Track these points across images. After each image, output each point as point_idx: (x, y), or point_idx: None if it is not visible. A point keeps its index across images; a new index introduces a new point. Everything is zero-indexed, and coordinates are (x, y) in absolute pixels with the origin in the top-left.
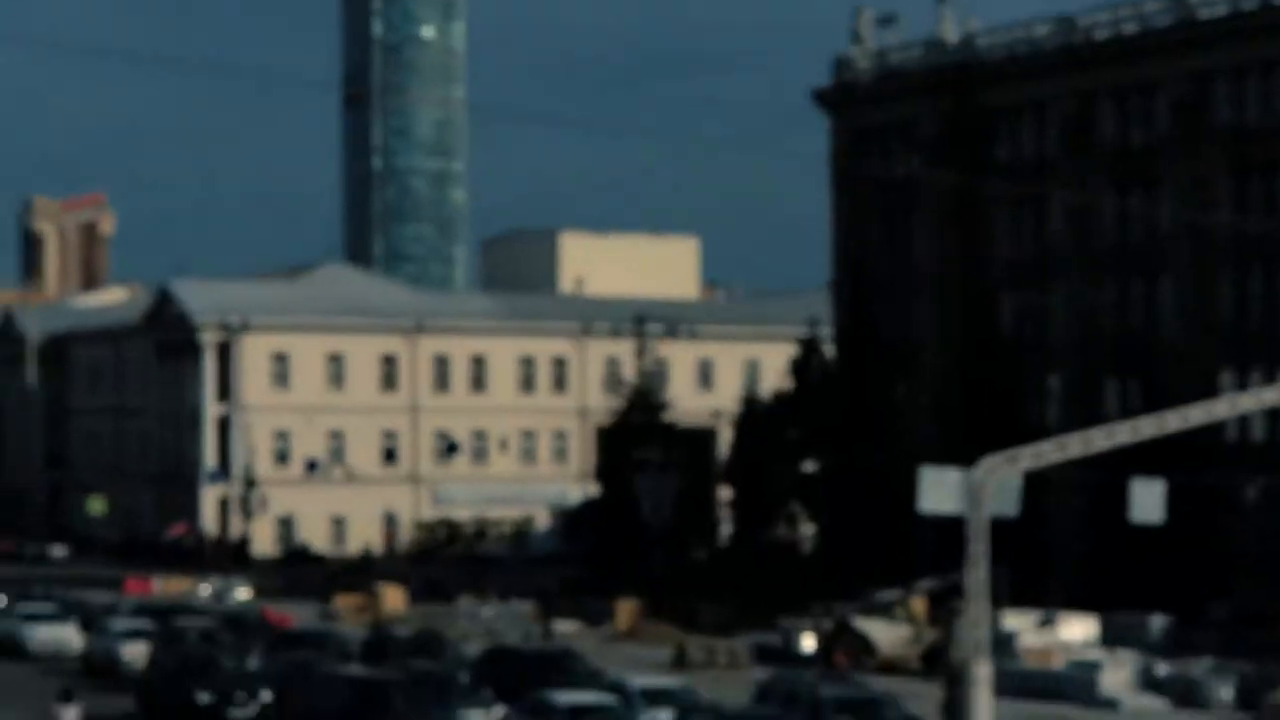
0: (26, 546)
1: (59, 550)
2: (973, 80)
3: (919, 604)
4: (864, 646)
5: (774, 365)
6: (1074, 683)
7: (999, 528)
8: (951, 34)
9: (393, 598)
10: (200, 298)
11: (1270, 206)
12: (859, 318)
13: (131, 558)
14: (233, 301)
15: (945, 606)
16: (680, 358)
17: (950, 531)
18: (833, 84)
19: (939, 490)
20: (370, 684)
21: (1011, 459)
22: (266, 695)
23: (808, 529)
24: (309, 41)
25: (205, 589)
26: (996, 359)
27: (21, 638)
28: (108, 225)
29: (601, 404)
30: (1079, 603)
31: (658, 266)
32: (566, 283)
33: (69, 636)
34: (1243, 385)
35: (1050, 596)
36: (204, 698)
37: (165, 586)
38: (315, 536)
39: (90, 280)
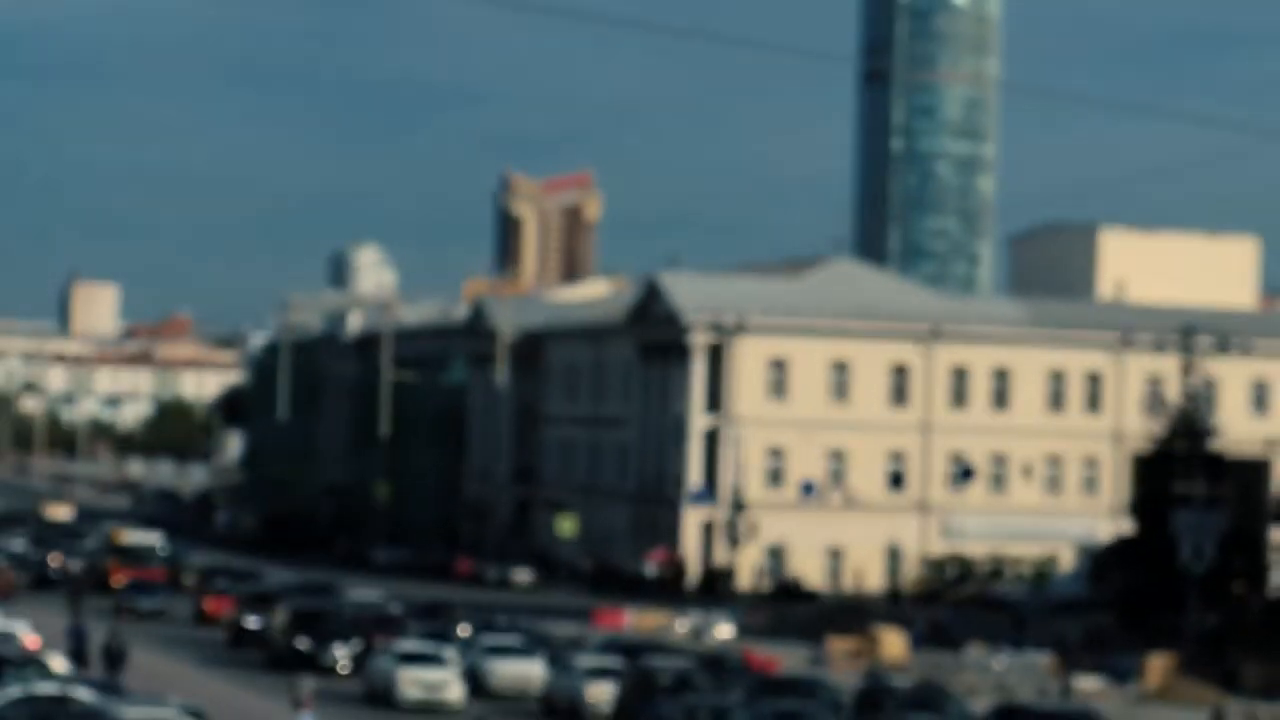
0: (488, 569)
1: (524, 575)
2: None
3: None
4: None
5: None
6: None
7: None
8: None
9: (892, 643)
10: (691, 294)
11: None
12: None
13: (602, 586)
14: (727, 299)
15: None
16: (1232, 376)
17: None
18: None
19: None
20: None
21: None
22: None
23: None
24: (823, 9)
25: (682, 625)
26: None
27: (484, 672)
28: (593, 210)
29: (1140, 428)
30: None
31: (1210, 270)
32: (1105, 287)
33: (535, 673)
34: None
35: None
36: None
37: (638, 620)
38: (808, 569)
39: (571, 271)
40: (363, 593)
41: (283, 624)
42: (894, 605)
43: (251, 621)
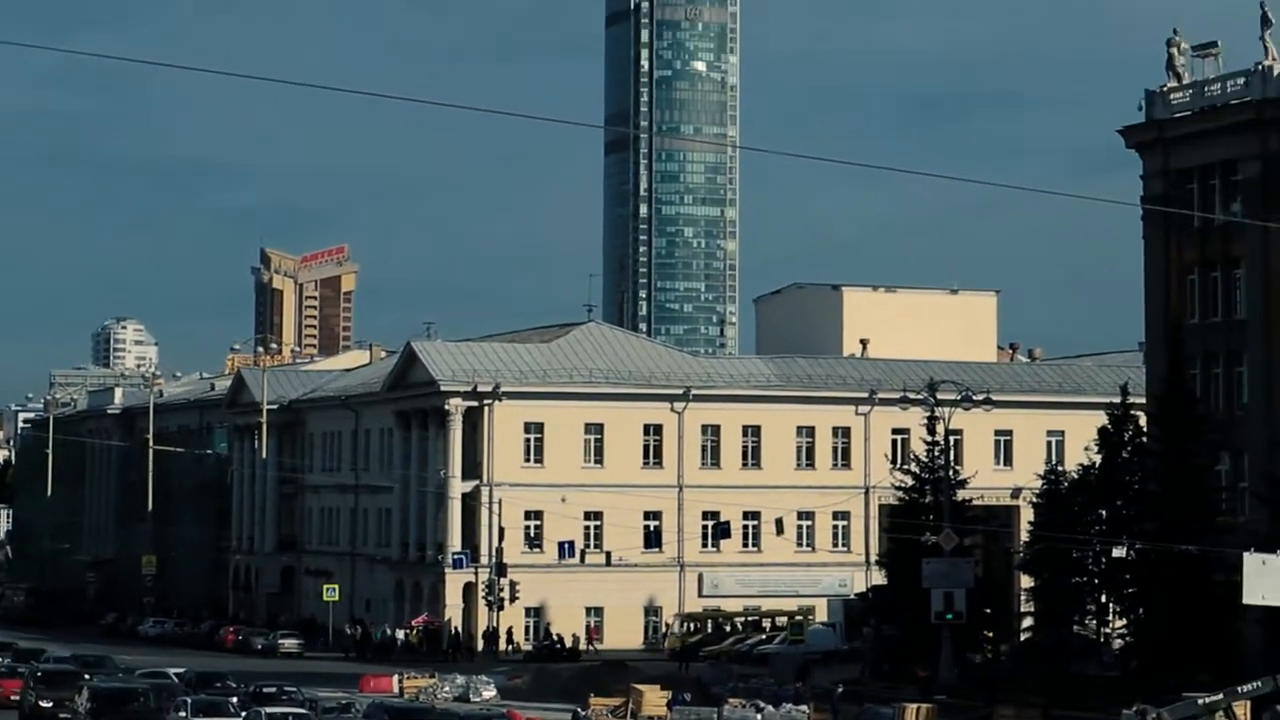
0: (255, 637)
1: (290, 642)
2: None
3: (1241, 710)
4: None
5: (1080, 437)
6: None
7: None
8: (1276, 64)
9: (652, 700)
10: (447, 361)
11: None
12: (1176, 383)
13: (368, 651)
14: (483, 365)
15: (1272, 712)
16: (976, 428)
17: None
18: (1144, 121)
19: (1266, 580)
20: None
21: None
22: None
23: (1118, 622)
24: (572, 78)
25: (447, 687)
26: None
27: None
28: (350, 281)
29: (888, 482)
30: None
31: (952, 326)
32: (850, 344)
33: None
34: None
35: None
36: None
37: (404, 683)
38: (569, 629)
39: (330, 341)
40: (142, 665)
41: (86, 705)
42: (654, 662)
43: (48, 702)
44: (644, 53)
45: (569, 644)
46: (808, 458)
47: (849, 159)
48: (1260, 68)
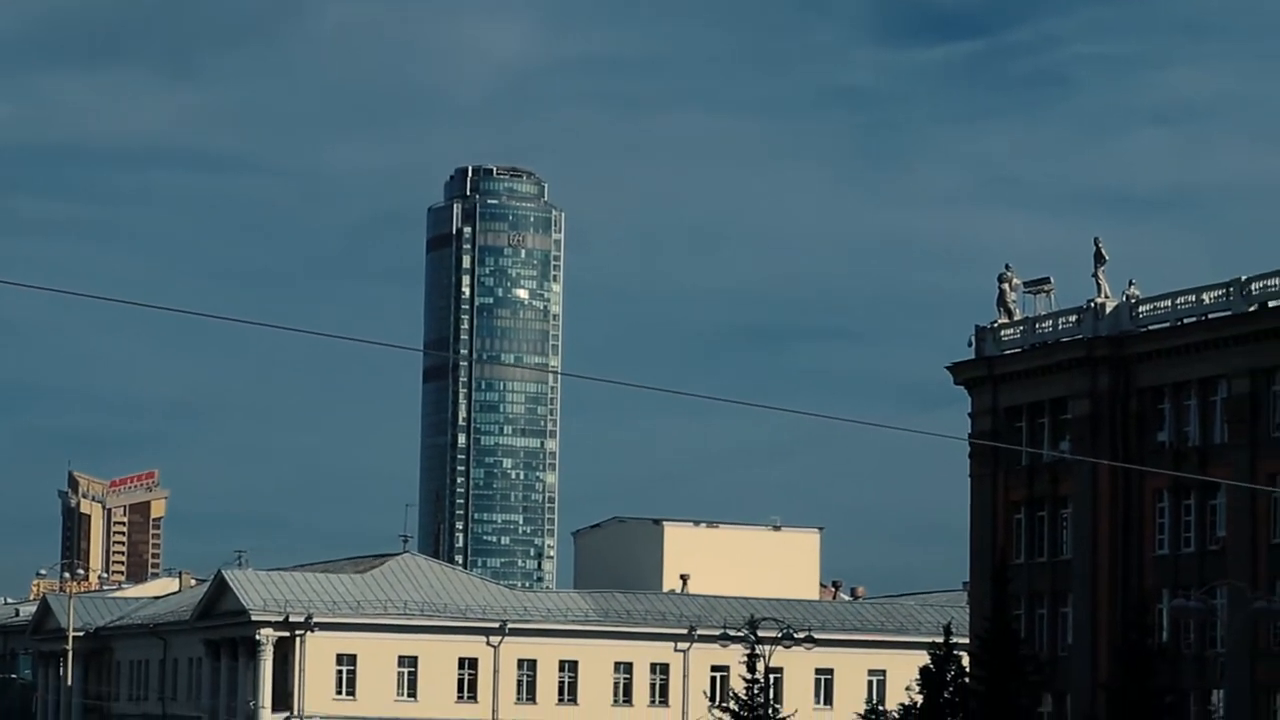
0: None
1: None
2: (1131, 354)
3: None
4: None
5: (903, 676)
6: None
7: None
8: (1109, 301)
9: None
10: (258, 590)
11: None
12: (1000, 623)
13: None
14: (295, 595)
15: None
16: (797, 666)
17: None
18: (973, 357)
19: None
20: None
21: None
22: None
23: None
24: (390, 303)
25: None
26: (1152, 673)
27: None
28: (160, 507)
29: (706, 718)
30: None
31: (774, 563)
32: (670, 580)
33: None
34: None
35: None
36: None
37: None
38: None
39: (137, 568)
40: None
41: None
42: None
43: None
44: (465, 278)
45: None
46: (625, 694)
47: (672, 388)
48: (1092, 305)
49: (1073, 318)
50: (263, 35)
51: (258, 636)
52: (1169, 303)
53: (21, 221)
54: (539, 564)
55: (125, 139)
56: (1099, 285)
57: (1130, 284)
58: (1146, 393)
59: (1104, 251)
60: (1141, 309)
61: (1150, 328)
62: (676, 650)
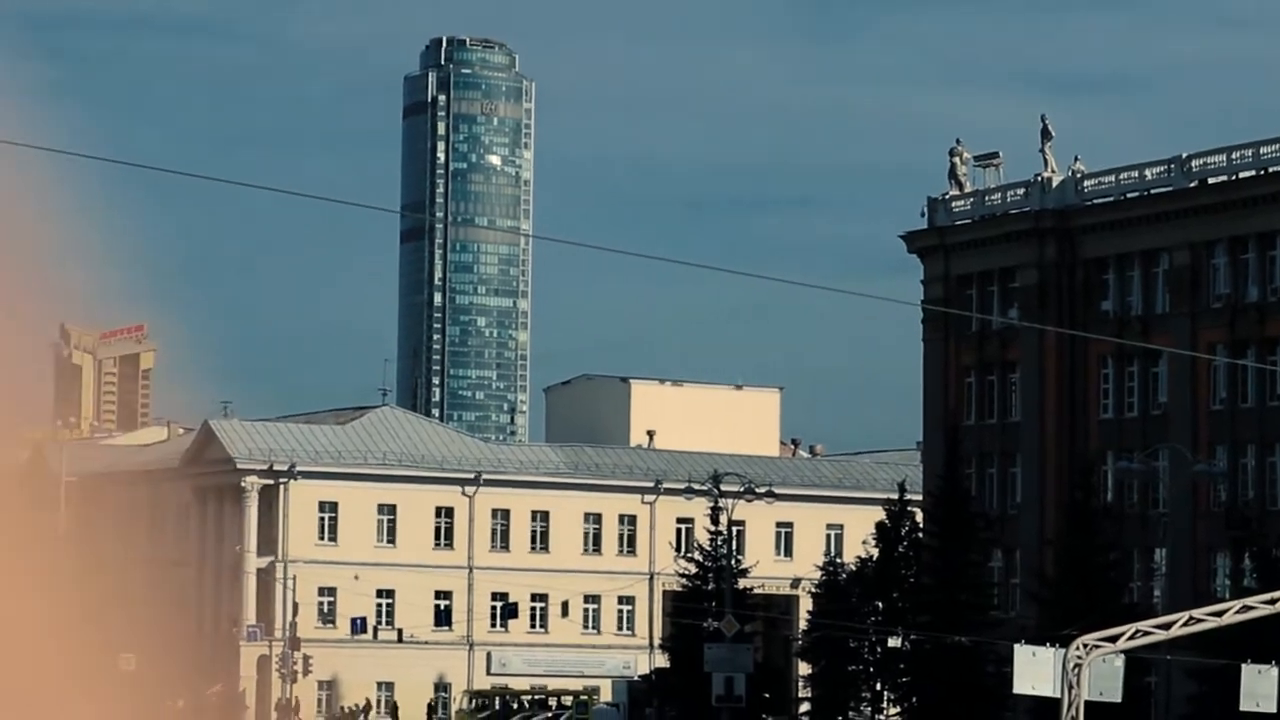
0: None
1: None
2: (1077, 226)
3: None
4: None
5: (859, 531)
6: None
7: (1100, 713)
8: (1055, 175)
9: None
10: (244, 440)
11: None
12: (951, 482)
13: None
14: (279, 445)
15: None
16: (758, 520)
17: (1049, 715)
18: (925, 227)
19: (1034, 670)
20: None
21: (1112, 639)
22: None
23: (892, 710)
24: (367, 167)
25: None
26: (1097, 530)
27: None
28: (148, 359)
29: (672, 569)
30: None
31: (736, 421)
32: (637, 435)
33: None
34: None
35: None
36: None
37: None
38: (361, 702)
39: (127, 417)
40: None
41: None
42: None
43: None
44: (440, 145)
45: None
46: (594, 543)
47: (638, 252)
48: (1039, 179)
49: (1020, 191)
50: None
51: (243, 484)
52: (1113, 178)
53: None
54: (512, 418)
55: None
56: (1046, 160)
57: (1076, 159)
58: (1091, 263)
59: (1050, 128)
60: (1087, 183)
61: (1095, 201)
62: (644, 503)
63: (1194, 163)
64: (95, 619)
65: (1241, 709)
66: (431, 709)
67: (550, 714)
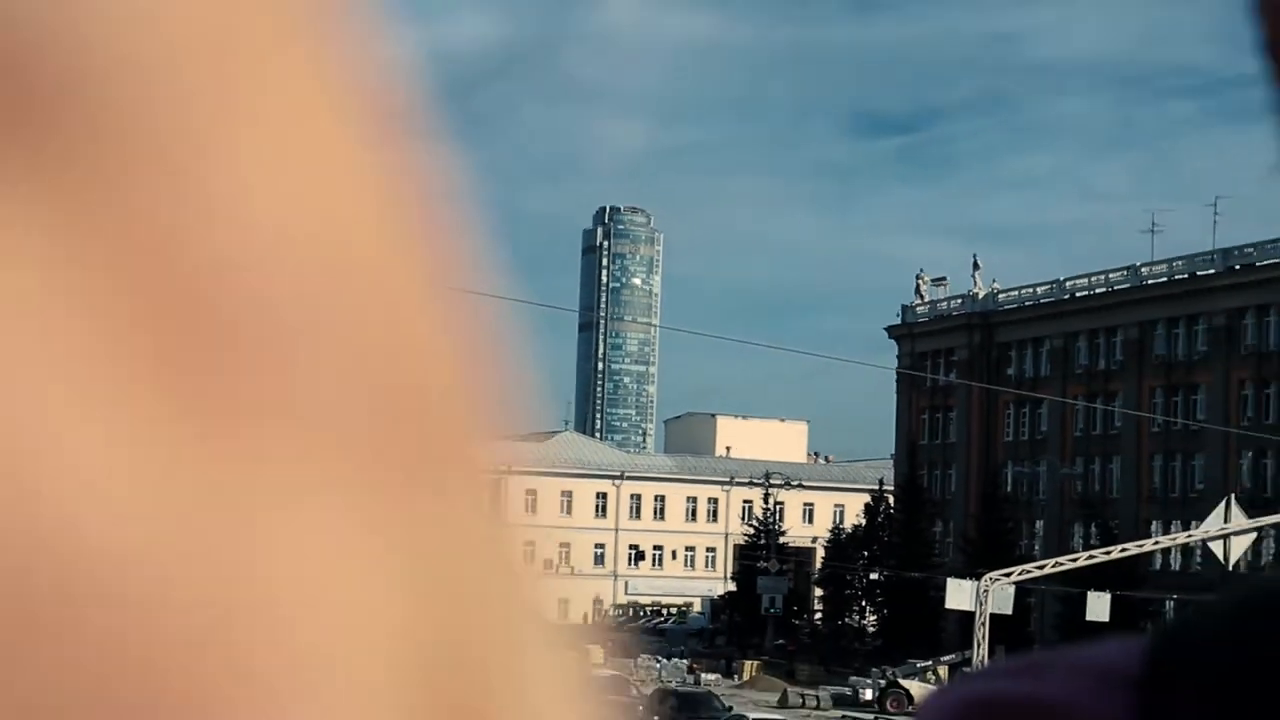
0: None
1: None
2: (994, 323)
3: (943, 670)
4: (906, 698)
5: (854, 510)
6: None
7: (998, 621)
8: (981, 290)
9: (596, 654)
10: None
11: (1180, 412)
12: (912, 480)
13: None
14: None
15: (959, 672)
16: (792, 502)
17: (966, 623)
18: (899, 323)
19: (960, 594)
20: None
21: (1008, 574)
22: None
23: (871, 618)
24: (558, 285)
25: None
26: (1001, 510)
27: None
28: None
29: (739, 531)
30: None
31: (780, 441)
32: (720, 449)
33: None
34: (1165, 531)
35: None
36: None
37: None
38: (549, 609)
39: None
40: None
41: None
42: (599, 633)
43: None
44: (604, 273)
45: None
46: (692, 515)
47: (723, 335)
48: (971, 293)
49: (959, 300)
50: None
51: None
52: (1017, 292)
53: None
54: (644, 439)
55: None
56: (975, 281)
57: (994, 281)
58: (1001, 345)
59: (979, 261)
60: (1000, 296)
61: (1005, 307)
62: (723, 490)
63: (1068, 284)
64: None
65: (1087, 619)
66: (586, 616)
67: (663, 618)
